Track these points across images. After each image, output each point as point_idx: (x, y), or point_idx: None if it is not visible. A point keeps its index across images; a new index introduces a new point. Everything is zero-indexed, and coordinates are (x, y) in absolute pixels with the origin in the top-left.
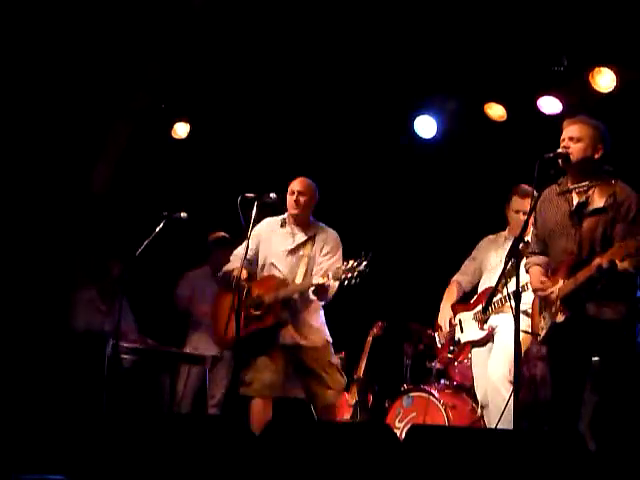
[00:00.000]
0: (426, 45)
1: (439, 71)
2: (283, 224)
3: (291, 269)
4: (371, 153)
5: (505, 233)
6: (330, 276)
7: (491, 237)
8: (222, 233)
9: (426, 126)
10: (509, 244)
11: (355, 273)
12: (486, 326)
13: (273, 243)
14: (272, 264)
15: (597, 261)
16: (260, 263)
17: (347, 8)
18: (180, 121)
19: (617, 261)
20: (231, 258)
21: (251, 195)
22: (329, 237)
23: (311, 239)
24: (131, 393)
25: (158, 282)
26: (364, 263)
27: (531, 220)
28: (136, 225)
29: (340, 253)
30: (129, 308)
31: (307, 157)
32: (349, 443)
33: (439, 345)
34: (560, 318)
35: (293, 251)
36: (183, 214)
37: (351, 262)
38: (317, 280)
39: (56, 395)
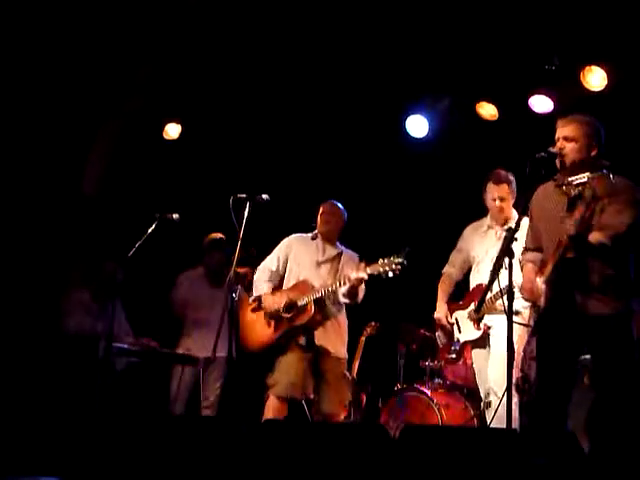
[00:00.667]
0: (418, 45)
1: (431, 70)
2: (314, 237)
3: (320, 279)
4: (363, 153)
5: (488, 221)
6: (368, 271)
7: (474, 224)
8: (218, 234)
9: (418, 125)
10: (492, 233)
11: (393, 266)
12: (481, 325)
13: (303, 254)
14: (301, 274)
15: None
16: (289, 273)
17: (339, 8)
18: (172, 122)
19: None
20: (257, 270)
21: (243, 196)
22: (354, 256)
23: (338, 255)
24: (124, 394)
25: (150, 283)
26: (402, 257)
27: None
28: (128, 227)
29: None
30: (122, 310)
31: (299, 157)
32: (343, 443)
33: (440, 345)
34: (542, 300)
35: (322, 263)
36: (175, 215)
37: (387, 258)
38: (355, 275)
39: (49, 397)
